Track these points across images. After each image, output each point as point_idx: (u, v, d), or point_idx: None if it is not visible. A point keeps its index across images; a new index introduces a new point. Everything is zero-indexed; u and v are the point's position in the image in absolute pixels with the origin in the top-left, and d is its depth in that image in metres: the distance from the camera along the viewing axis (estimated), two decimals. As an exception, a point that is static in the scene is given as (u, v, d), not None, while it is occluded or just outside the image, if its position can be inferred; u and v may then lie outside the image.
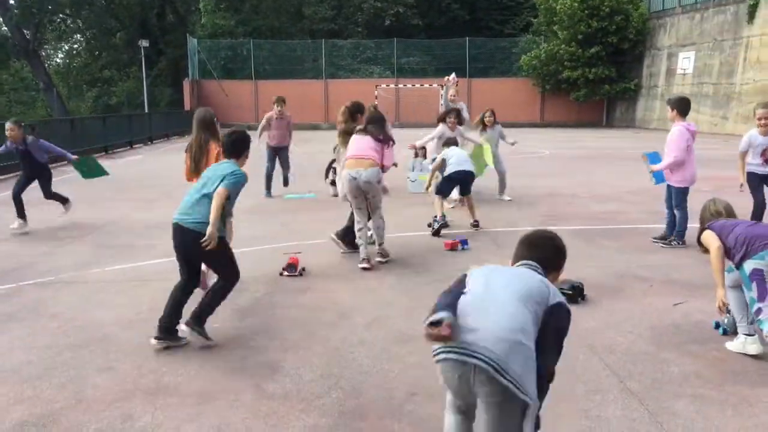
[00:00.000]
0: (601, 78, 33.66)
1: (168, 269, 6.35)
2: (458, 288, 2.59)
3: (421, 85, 34.03)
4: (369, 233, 6.63)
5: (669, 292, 5.43)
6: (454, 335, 2.34)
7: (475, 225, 8.10)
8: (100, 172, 9.24)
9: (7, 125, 8.07)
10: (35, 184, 8.63)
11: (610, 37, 32.83)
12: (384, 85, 35.12)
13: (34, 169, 8.49)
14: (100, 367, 4.03)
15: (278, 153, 11.17)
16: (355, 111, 7.10)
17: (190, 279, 4.59)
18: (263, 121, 11.06)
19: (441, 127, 9.42)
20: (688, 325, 4.65)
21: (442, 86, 11.12)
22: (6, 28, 42.90)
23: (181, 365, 4.05)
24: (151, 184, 12.99)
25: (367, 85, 34.64)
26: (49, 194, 8.71)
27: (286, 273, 6.09)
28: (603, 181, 12.39)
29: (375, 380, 3.81)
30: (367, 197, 6.37)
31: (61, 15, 44.35)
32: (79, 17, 44.23)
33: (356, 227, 6.46)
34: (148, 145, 24.18)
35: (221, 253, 4.45)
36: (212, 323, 4.76)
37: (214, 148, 5.60)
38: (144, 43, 33.47)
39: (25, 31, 41.11)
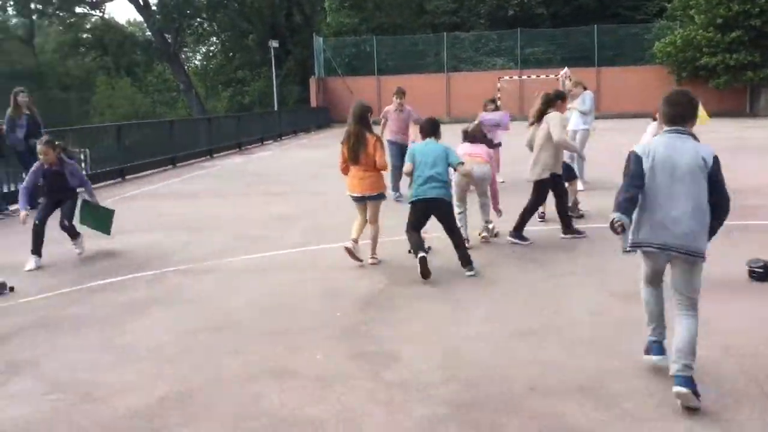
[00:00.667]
0: (743, 64, 31.26)
1: (296, 259, 6.66)
2: (636, 183, 3.43)
3: (546, 76, 33.13)
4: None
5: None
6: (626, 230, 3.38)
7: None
8: (103, 227, 7.40)
9: (40, 148, 6.84)
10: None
11: (752, 20, 30.42)
12: (507, 77, 34.56)
13: (65, 193, 7.05)
14: (233, 350, 4.30)
15: (402, 149, 10.74)
16: (555, 98, 7.39)
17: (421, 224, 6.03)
18: (385, 119, 10.60)
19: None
20: (836, 329, 4.29)
21: (557, 79, 10.82)
22: (150, 33, 46.24)
23: (306, 351, 4.24)
24: (281, 179, 13.57)
25: (490, 77, 34.22)
26: (70, 222, 7.03)
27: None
28: (750, 173, 11.55)
29: (492, 374, 3.81)
30: (474, 185, 7.06)
31: (198, 19, 47.21)
32: (214, 20, 46.86)
33: (456, 211, 6.65)
34: (277, 141, 25.24)
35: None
36: (334, 312, 4.95)
37: (371, 138, 6.13)
38: (274, 43, 34.90)
39: (166, 36, 44.14)
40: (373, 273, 6.03)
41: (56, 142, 7.05)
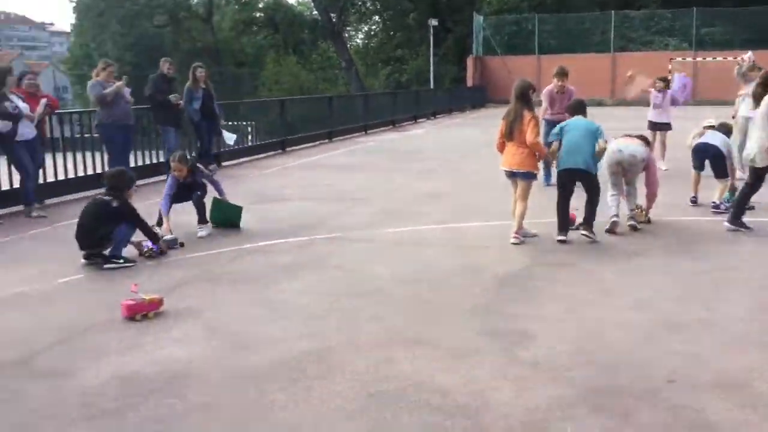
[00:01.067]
0: None
1: (440, 235, 6.76)
2: None
3: (724, 58, 30.57)
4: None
5: None
6: None
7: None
8: (234, 219, 7.27)
9: (174, 165, 6.81)
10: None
11: None
12: (680, 58, 32.28)
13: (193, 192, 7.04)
14: (372, 316, 4.49)
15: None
16: None
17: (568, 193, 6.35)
18: (544, 100, 9.91)
19: None
20: None
21: (738, 64, 9.94)
22: (317, 12, 48.06)
23: (441, 323, 4.33)
24: (431, 156, 13.71)
25: (660, 58, 32.12)
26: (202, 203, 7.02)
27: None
28: None
29: (632, 362, 3.69)
30: (625, 172, 6.79)
31: (362, -2, 48.40)
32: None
33: (609, 193, 6.78)
34: (431, 119, 25.44)
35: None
36: (473, 288, 5.00)
37: (527, 116, 6.12)
38: (433, 22, 35.02)
39: (331, 14, 45.67)
40: (516, 253, 5.99)
41: (188, 157, 7.18)
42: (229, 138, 11.88)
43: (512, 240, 6.28)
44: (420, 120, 24.53)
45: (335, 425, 3.07)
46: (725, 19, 34.94)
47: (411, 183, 10.13)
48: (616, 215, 6.64)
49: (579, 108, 6.73)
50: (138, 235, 5.97)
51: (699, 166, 7.90)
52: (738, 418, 3.05)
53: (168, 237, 6.32)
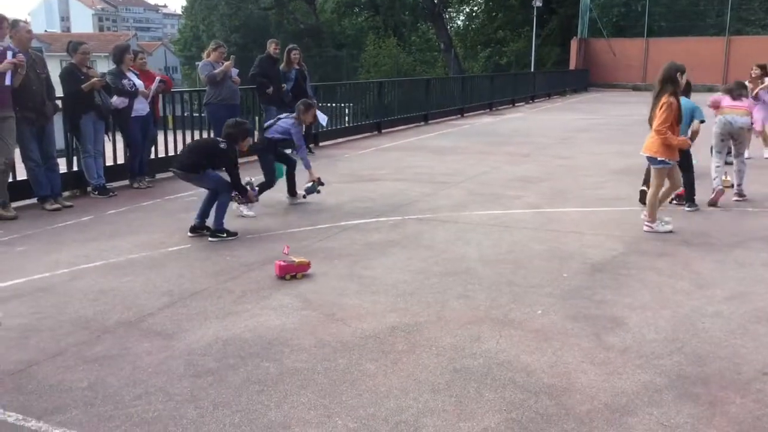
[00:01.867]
0: None
1: (532, 219, 6.74)
2: None
3: None
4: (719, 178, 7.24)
5: None
6: None
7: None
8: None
9: (303, 108, 7.42)
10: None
11: None
12: (803, 42, 30.08)
13: None
14: (459, 294, 4.58)
15: None
16: None
17: None
18: None
19: None
20: None
21: None
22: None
23: (528, 305, 4.36)
24: (526, 140, 13.54)
25: (781, 41, 30.07)
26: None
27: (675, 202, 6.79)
28: None
29: (724, 353, 3.61)
30: (734, 141, 7.40)
31: (465, -22, 47.84)
32: (481, -20, 47.13)
33: (714, 164, 7.31)
34: (529, 103, 24.98)
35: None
36: (561, 273, 4.99)
37: (662, 101, 5.97)
38: (538, 2, 34.19)
39: (433, -4, 45.46)
40: (609, 240, 5.90)
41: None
42: (322, 118, 12.19)
43: (644, 228, 6.22)
44: (518, 104, 24.14)
45: (421, 396, 3.19)
46: None
47: (504, 167, 10.07)
48: (720, 187, 6.99)
49: (685, 89, 6.55)
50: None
51: None
52: (836, 416, 2.95)
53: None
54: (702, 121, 6.83)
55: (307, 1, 53.26)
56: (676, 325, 4.01)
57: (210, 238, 6.03)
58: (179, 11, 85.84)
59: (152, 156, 9.26)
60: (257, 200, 6.67)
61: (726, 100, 7.55)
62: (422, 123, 17.20)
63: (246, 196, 6.38)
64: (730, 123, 7.28)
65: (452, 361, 3.55)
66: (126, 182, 8.68)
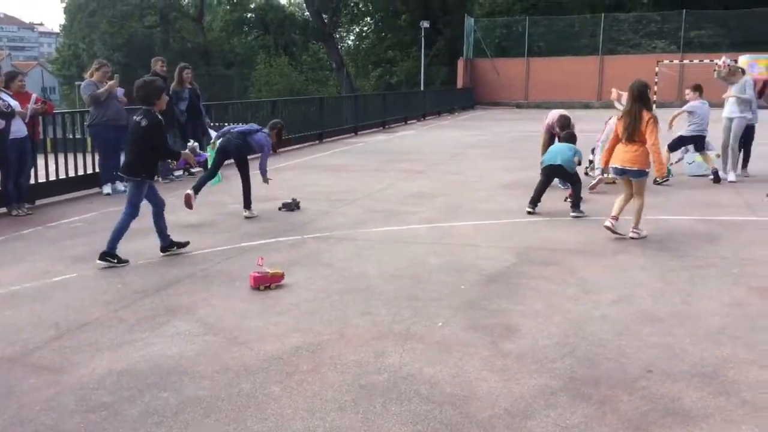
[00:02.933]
0: None
1: (428, 234, 6.89)
2: None
3: (710, 61, 30.89)
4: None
5: None
6: None
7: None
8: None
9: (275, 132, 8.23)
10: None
11: None
12: (666, 61, 32.59)
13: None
14: (361, 311, 4.61)
15: None
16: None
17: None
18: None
19: None
20: None
21: (715, 69, 10.22)
22: (308, 14, 48.15)
23: (429, 318, 4.46)
24: (419, 157, 13.85)
25: (647, 61, 32.41)
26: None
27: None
28: None
29: (611, 354, 3.84)
30: None
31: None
32: (369, 1, 47.92)
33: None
34: (420, 121, 25.60)
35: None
36: (459, 285, 5.13)
37: (646, 116, 6.30)
38: (425, 24, 35.20)
39: (323, 16, 45.80)
40: (501, 251, 6.13)
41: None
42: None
43: (631, 234, 6.51)
44: (410, 121, 24.68)
45: (328, 416, 3.19)
46: (713, 21, 35.31)
47: (399, 183, 10.26)
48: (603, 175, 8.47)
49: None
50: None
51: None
52: (711, 405, 3.20)
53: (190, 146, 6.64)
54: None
55: (195, 20, 52.22)
56: (566, 329, 4.23)
57: (98, 261, 5.76)
58: (56, 30, 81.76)
59: (32, 181, 8.75)
60: (198, 163, 6.68)
61: None
62: (317, 142, 17.24)
63: (180, 159, 6.22)
64: None
65: (357, 378, 3.57)
66: (3, 210, 8.15)
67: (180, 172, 11.22)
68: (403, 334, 4.18)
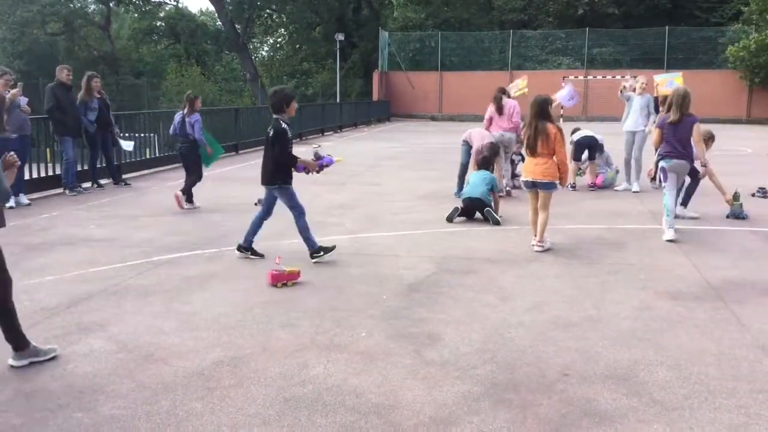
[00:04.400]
0: (823, 71, 30.04)
1: (349, 245, 6.90)
2: None
3: (613, 77, 32.56)
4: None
5: None
6: None
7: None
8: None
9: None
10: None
11: (834, 26, 29.16)
12: (571, 77, 34.05)
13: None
14: (284, 323, 4.56)
15: None
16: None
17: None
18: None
19: None
20: None
21: (621, 90, 10.73)
22: (221, 23, 47.39)
23: (351, 329, 4.46)
24: (339, 169, 13.83)
25: (554, 76, 33.72)
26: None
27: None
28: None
29: (529, 359, 3.95)
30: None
31: (268, 10, 48.13)
32: (284, 12, 47.68)
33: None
34: (337, 132, 25.64)
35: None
36: (381, 295, 5.16)
37: (553, 130, 6.49)
38: (340, 36, 35.39)
39: (236, 26, 45.20)
40: (421, 261, 6.21)
41: None
42: (127, 145, 11.64)
43: (535, 248, 6.59)
44: (327, 133, 24.66)
45: (252, 431, 3.13)
46: (614, 40, 37.25)
47: (319, 195, 10.22)
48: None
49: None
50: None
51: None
52: (625, 405, 3.35)
53: None
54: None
55: (101, 27, 50.37)
56: (486, 336, 4.32)
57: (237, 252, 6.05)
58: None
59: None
60: (320, 168, 6.71)
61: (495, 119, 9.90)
62: (233, 153, 16.95)
63: (298, 164, 6.43)
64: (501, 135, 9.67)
65: (281, 391, 3.53)
66: None
67: (89, 184, 10.78)
68: (327, 345, 4.17)
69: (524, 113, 8.36)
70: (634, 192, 10.33)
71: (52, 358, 3.95)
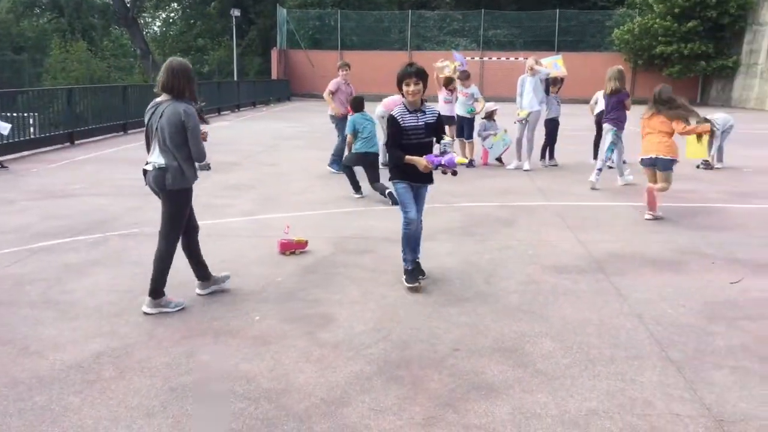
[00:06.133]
0: (697, 54, 32.04)
1: (245, 227, 6.74)
2: None
3: (507, 59, 33.48)
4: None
5: (730, 269, 5.34)
6: None
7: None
8: None
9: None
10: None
11: (708, 11, 31.14)
12: (468, 58, 34.68)
13: None
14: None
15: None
16: None
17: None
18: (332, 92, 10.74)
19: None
20: (744, 301, 4.60)
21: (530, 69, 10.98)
22: (109, -3, 45.02)
23: (244, 313, 4.36)
24: (234, 149, 13.51)
25: (451, 57, 34.34)
26: None
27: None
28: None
29: (422, 335, 3.99)
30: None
31: (159, -17, 46.09)
32: (176, -14, 45.84)
33: None
34: (235, 112, 24.99)
35: None
36: (276, 278, 5.07)
37: None
38: (236, 12, 34.37)
39: (125, 0, 43.01)
40: (319, 241, 6.15)
41: None
42: (3, 128, 10.88)
43: None
44: (224, 112, 24.00)
45: (134, 423, 2.99)
46: (509, 22, 38.21)
47: (214, 176, 9.91)
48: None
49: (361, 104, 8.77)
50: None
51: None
52: (512, 377, 3.45)
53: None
54: None
55: (-25, -2, 46.69)
56: (381, 315, 4.34)
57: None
58: None
59: None
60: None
61: None
62: (121, 133, 16.18)
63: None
64: None
65: (167, 381, 3.39)
66: None
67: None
68: (218, 331, 4.05)
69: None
70: (525, 170, 10.66)
71: None
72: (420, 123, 4.78)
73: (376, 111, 10.66)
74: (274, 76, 36.28)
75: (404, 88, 4.76)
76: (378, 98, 13.49)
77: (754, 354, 3.72)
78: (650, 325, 4.15)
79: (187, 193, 4.61)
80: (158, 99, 4.50)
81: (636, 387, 3.32)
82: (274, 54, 37.15)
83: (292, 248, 5.74)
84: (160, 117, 4.39)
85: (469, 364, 3.59)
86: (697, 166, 10.98)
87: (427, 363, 3.61)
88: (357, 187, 8.36)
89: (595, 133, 11.48)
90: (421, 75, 4.77)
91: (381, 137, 10.64)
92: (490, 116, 11.27)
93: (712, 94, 34.74)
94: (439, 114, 4.93)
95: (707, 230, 6.70)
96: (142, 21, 50.31)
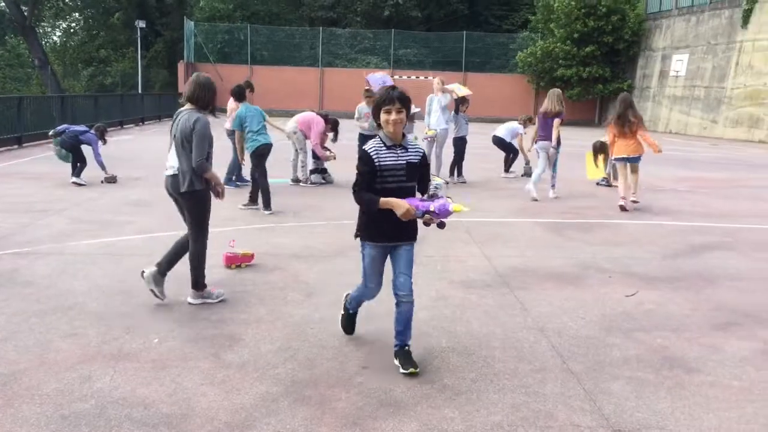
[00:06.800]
0: (595, 77, 33.80)
1: (145, 245, 6.49)
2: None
3: (417, 77, 34.09)
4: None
5: (626, 283, 5.59)
6: None
7: None
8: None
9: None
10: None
11: (605, 37, 32.95)
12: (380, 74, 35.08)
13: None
14: (66, 333, 4.15)
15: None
16: None
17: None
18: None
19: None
20: (638, 313, 4.82)
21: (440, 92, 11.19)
22: (3, 4, 42.73)
23: (144, 334, 4.18)
24: (139, 163, 13.07)
25: (363, 74, 34.61)
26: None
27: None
28: (579, 178, 12.49)
29: (330, 354, 3.95)
30: None
31: (58, -8, 44.17)
32: (77, -5, 44.10)
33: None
34: (139, 126, 24.22)
35: None
36: (179, 297, 4.90)
37: None
38: (141, 24, 33.40)
39: (23, 8, 40.91)
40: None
41: None
42: None
43: None
44: (127, 126, 23.20)
45: (20, 455, 2.80)
46: (418, 42, 39.00)
47: (114, 191, 9.55)
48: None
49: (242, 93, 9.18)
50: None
51: None
52: (419, 393, 3.46)
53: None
54: None
55: None
56: (289, 334, 4.26)
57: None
58: None
59: None
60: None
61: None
62: (15, 146, 15.32)
63: None
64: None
65: (59, 408, 3.19)
66: None
67: None
68: (115, 355, 3.86)
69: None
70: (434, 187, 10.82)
71: None
72: (400, 161, 3.69)
73: (287, 127, 10.62)
74: (180, 89, 35.38)
75: (383, 116, 3.65)
76: (289, 114, 13.43)
77: (648, 364, 3.90)
78: (552, 337, 4.28)
79: (202, 194, 4.81)
80: (181, 108, 4.85)
81: (539, 399, 3.41)
82: (181, 67, 36.30)
83: (237, 261, 5.71)
84: (178, 124, 4.71)
85: (377, 381, 3.57)
86: (597, 184, 11.54)
87: (335, 382, 3.57)
88: (268, 204, 8.23)
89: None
90: (404, 102, 3.69)
91: (291, 155, 10.63)
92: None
93: (609, 115, 36.54)
94: (424, 152, 3.92)
95: (605, 245, 7.01)
96: (40, 30, 48.00)
